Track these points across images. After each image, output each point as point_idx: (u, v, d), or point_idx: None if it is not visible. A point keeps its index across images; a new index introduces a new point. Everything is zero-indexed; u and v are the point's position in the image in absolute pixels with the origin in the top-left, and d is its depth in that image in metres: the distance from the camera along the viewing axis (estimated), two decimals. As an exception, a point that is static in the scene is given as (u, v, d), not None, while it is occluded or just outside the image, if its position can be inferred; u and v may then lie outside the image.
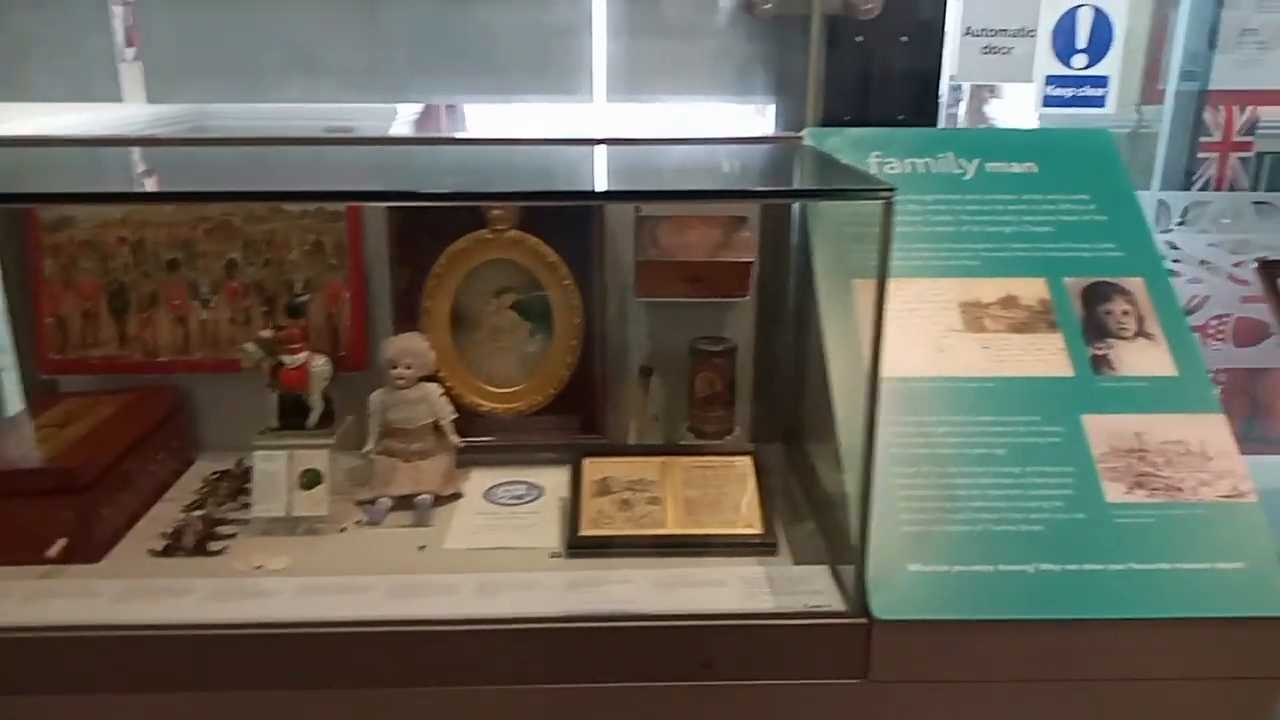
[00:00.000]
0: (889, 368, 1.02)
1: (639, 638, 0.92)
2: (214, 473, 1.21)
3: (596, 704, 0.93)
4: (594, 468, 1.13)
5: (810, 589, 0.97)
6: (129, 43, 1.35)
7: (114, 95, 1.41)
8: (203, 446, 1.28)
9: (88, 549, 1.03)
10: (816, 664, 0.92)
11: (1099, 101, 1.79)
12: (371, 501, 1.12)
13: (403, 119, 2.25)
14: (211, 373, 1.23)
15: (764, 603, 0.95)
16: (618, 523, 1.06)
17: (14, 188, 1.04)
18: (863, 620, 0.90)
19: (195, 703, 0.92)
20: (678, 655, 0.92)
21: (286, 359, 1.09)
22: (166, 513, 1.13)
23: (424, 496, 1.12)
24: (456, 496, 1.17)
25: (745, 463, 1.14)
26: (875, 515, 0.91)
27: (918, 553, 0.93)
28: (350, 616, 0.92)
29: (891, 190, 0.83)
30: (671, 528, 1.06)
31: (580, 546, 1.04)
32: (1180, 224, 2.13)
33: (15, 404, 1.27)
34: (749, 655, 0.92)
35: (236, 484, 1.16)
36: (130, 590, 0.97)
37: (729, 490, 1.10)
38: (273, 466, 1.08)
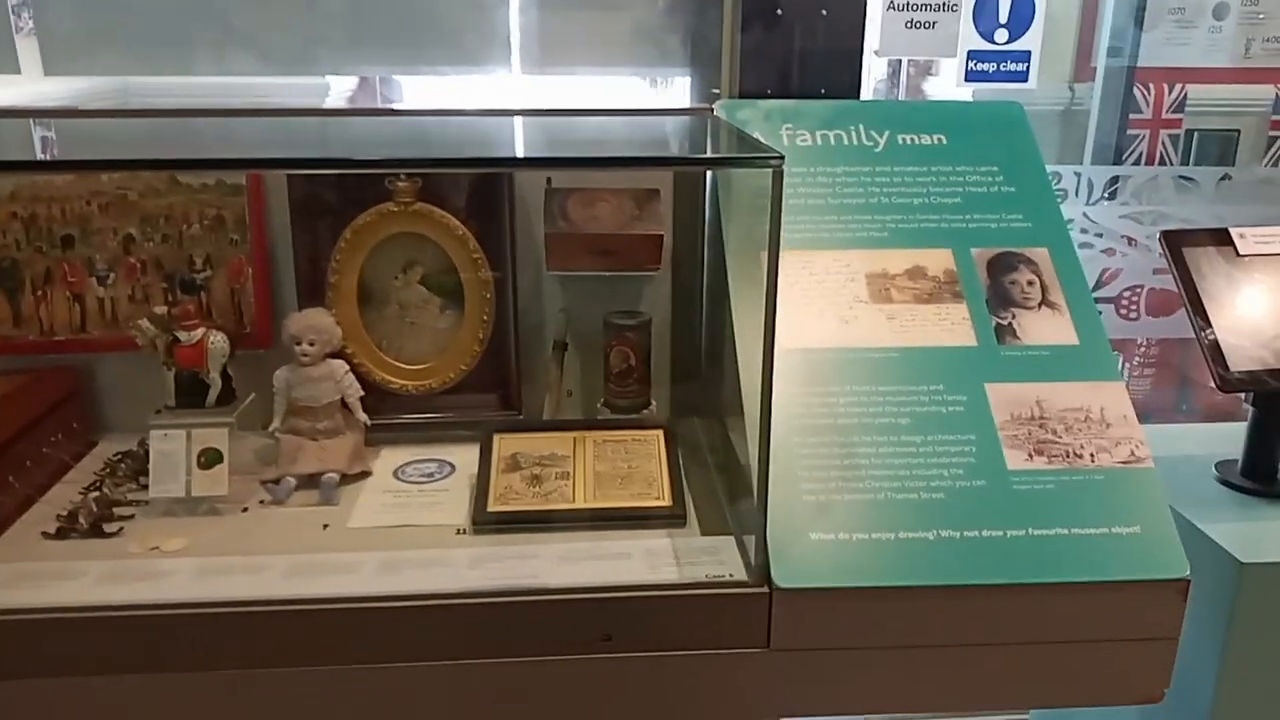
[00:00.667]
0: (794, 339, 1.03)
1: (541, 612, 0.91)
2: (115, 454, 1.18)
3: (499, 679, 0.92)
4: (504, 443, 1.12)
5: (715, 559, 0.96)
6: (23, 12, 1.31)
7: (11, 68, 1.37)
8: (106, 428, 1.25)
9: (-25, 533, 1.00)
10: (719, 634, 0.92)
11: (1022, 76, 1.80)
12: (276, 481, 1.10)
13: (337, 94, 2.21)
14: (111, 352, 1.19)
15: (667, 574, 0.94)
16: (526, 498, 1.05)
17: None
18: (764, 590, 0.90)
19: (85, 688, 0.90)
20: (580, 628, 0.91)
21: (182, 336, 1.06)
22: (64, 495, 1.10)
23: (330, 475, 1.10)
24: (365, 475, 1.15)
25: (657, 436, 1.13)
26: (778, 485, 0.91)
27: (819, 521, 0.94)
28: (246, 596, 0.90)
29: (780, 159, 0.83)
30: (580, 502, 1.05)
31: (487, 522, 1.03)
32: (1106, 199, 2.16)
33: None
34: (651, 627, 0.92)
35: (138, 465, 1.12)
36: (19, 574, 0.94)
37: (640, 464, 1.10)
38: (170, 446, 1.05)
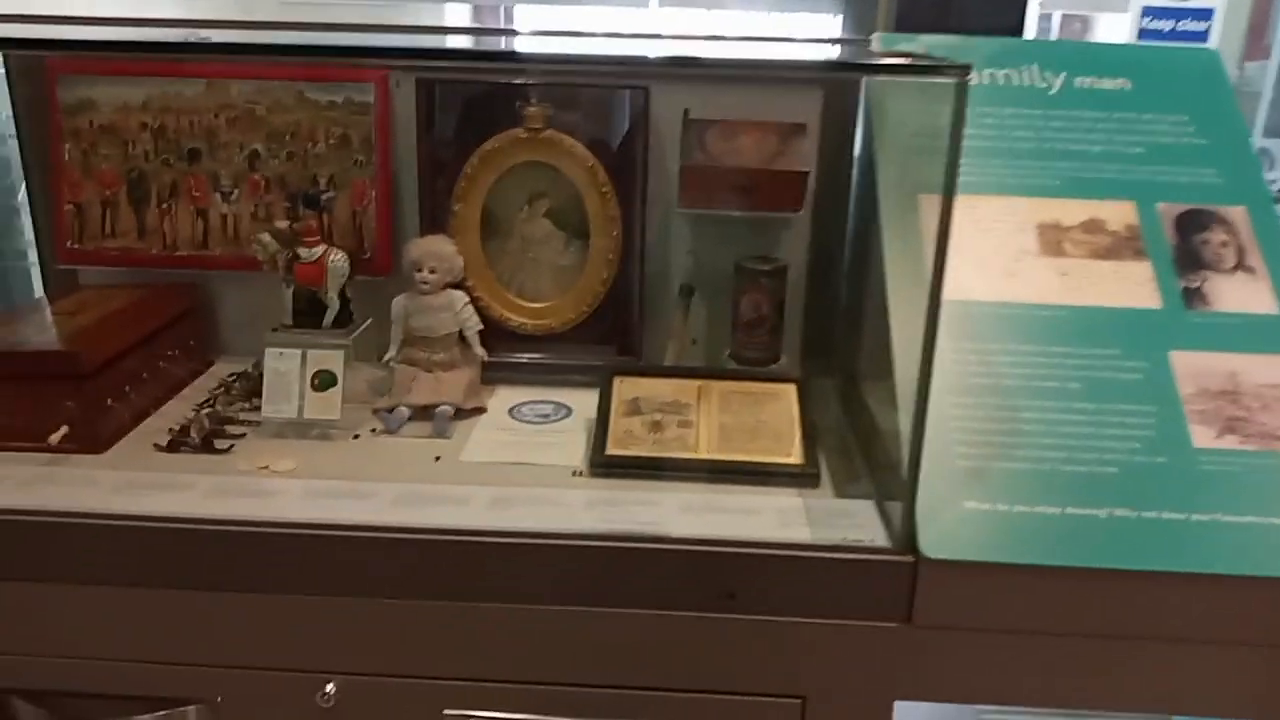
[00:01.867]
0: (953, 290, 0.93)
1: (659, 561, 0.84)
2: (231, 374, 1.16)
3: (611, 629, 0.85)
4: (625, 387, 1.05)
5: (851, 523, 0.88)
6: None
7: None
8: (223, 348, 1.23)
9: (91, 439, 0.98)
10: (854, 603, 0.83)
11: (1201, 36, 1.65)
12: (389, 410, 1.06)
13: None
14: (232, 270, 1.17)
15: (798, 533, 0.86)
16: (646, 444, 0.98)
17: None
18: (909, 558, 0.82)
19: (187, 601, 0.87)
20: (702, 583, 0.84)
21: (303, 252, 1.03)
22: (178, 411, 1.08)
23: (444, 407, 1.06)
24: (479, 411, 1.10)
25: (788, 391, 1.05)
26: (929, 447, 0.82)
27: (974, 489, 0.84)
28: (352, 520, 0.86)
29: (966, 68, 0.73)
30: (703, 452, 0.97)
31: (605, 465, 0.96)
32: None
33: (35, 294, 1.23)
34: (780, 589, 0.84)
35: (252, 385, 1.10)
36: (130, 482, 0.92)
37: (769, 418, 1.02)
38: (285, 366, 1.02)
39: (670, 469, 0.96)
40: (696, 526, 0.87)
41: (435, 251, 1.07)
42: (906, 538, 0.82)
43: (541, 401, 1.13)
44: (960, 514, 0.83)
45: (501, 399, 1.13)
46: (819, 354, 1.19)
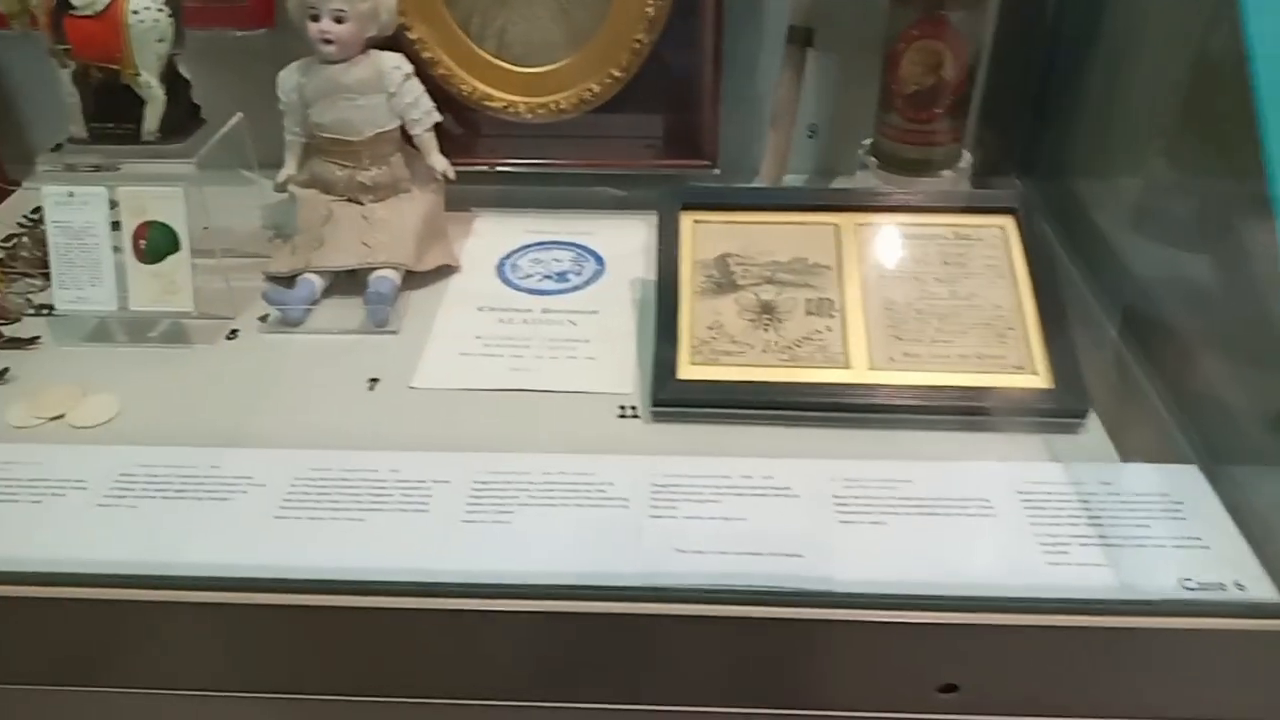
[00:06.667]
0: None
1: (809, 635, 0.42)
2: (34, 209, 0.69)
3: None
4: (702, 232, 0.59)
5: (1170, 519, 0.45)
6: None
7: None
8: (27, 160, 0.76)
9: None
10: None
11: None
12: (287, 279, 0.61)
13: None
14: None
15: (1074, 556, 0.43)
16: (752, 353, 0.53)
17: None
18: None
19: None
20: (906, 669, 0.43)
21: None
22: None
23: (383, 274, 0.60)
24: (447, 271, 0.64)
25: (1002, 231, 0.58)
26: None
27: None
28: (209, 563, 0.43)
29: None
30: (862, 368, 0.53)
31: (673, 402, 0.52)
32: None
33: None
34: (1056, 676, 0.42)
35: (38, 245, 0.64)
36: None
37: (977, 287, 0.56)
38: (80, 217, 0.55)
39: (802, 409, 0.51)
40: (868, 553, 0.44)
41: (340, -18, 0.57)
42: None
43: (548, 244, 0.67)
44: None
45: (482, 244, 0.68)
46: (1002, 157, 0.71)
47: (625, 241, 0.67)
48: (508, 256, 0.66)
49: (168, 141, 0.57)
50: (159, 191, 0.55)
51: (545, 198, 0.72)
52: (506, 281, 0.64)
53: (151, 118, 0.56)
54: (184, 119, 0.58)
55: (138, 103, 0.56)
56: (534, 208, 0.71)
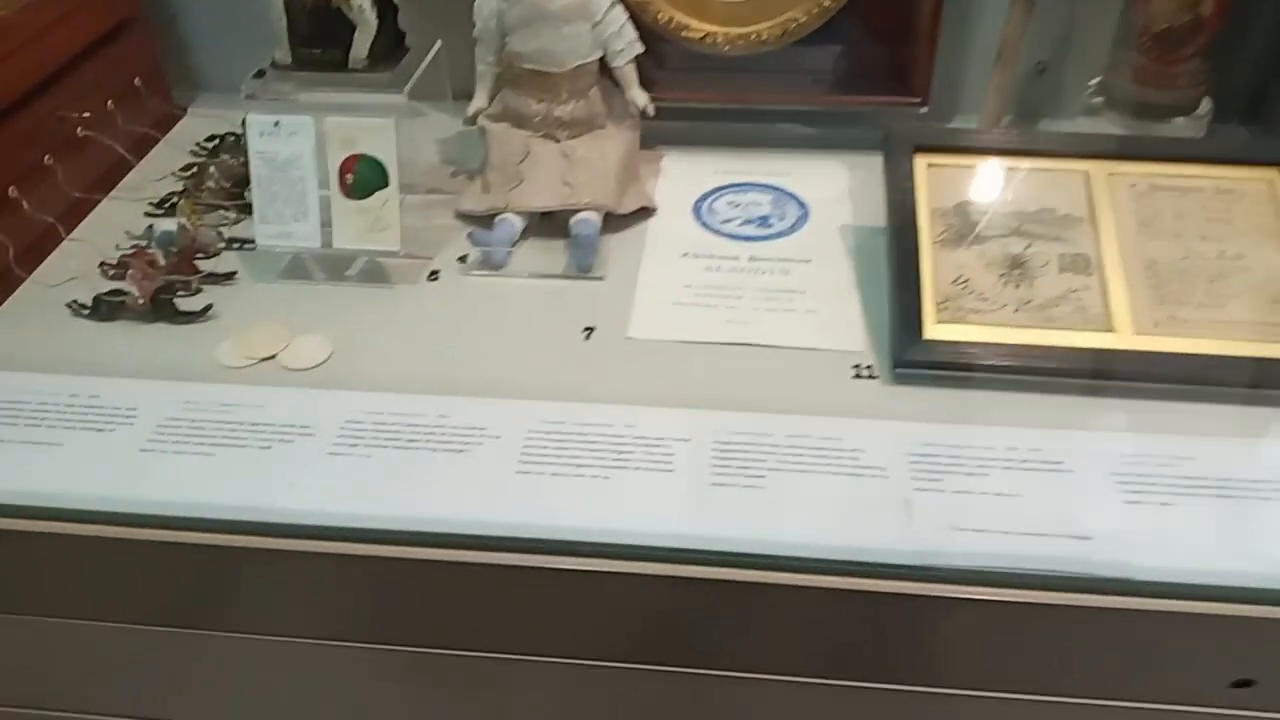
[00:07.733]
0: None
1: (1098, 620, 0.39)
2: (209, 138, 0.68)
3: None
4: (935, 176, 0.54)
5: None
6: None
7: None
8: (202, 85, 0.74)
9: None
10: None
11: None
12: (487, 218, 0.58)
13: None
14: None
15: None
16: (1004, 311, 0.49)
17: None
18: None
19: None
20: (1193, 659, 0.40)
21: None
22: (119, 218, 0.62)
23: (585, 216, 0.57)
24: (645, 214, 0.61)
25: (1268, 185, 0.53)
26: None
27: None
28: (413, 516, 0.41)
29: None
30: (1126, 332, 0.48)
31: (920, 364, 0.48)
32: None
33: None
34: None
35: (237, 169, 0.62)
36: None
37: (1242, 248, 0.51)
38: (284, 148, 0.53)
39: (1061, 374, 0.47)
40: (1173, 538, 0.40)
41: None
42: None
43: (746, 186, 0.64)
44: None
45: (670, 188, 0.64)
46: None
47: (827, 184, 0.63)
48: (703, 199, 0.63)
49: (373, 69, 0.54)
50: (370, 123, 0.52)
51: (730, 135, 0.68)
52: (706, 226, 0.61)
53: (361, 44, 0.54)
54: (390, 46, 0.55)
55: (346, 28, 0.53)
56: (719, 145, 0.67)
